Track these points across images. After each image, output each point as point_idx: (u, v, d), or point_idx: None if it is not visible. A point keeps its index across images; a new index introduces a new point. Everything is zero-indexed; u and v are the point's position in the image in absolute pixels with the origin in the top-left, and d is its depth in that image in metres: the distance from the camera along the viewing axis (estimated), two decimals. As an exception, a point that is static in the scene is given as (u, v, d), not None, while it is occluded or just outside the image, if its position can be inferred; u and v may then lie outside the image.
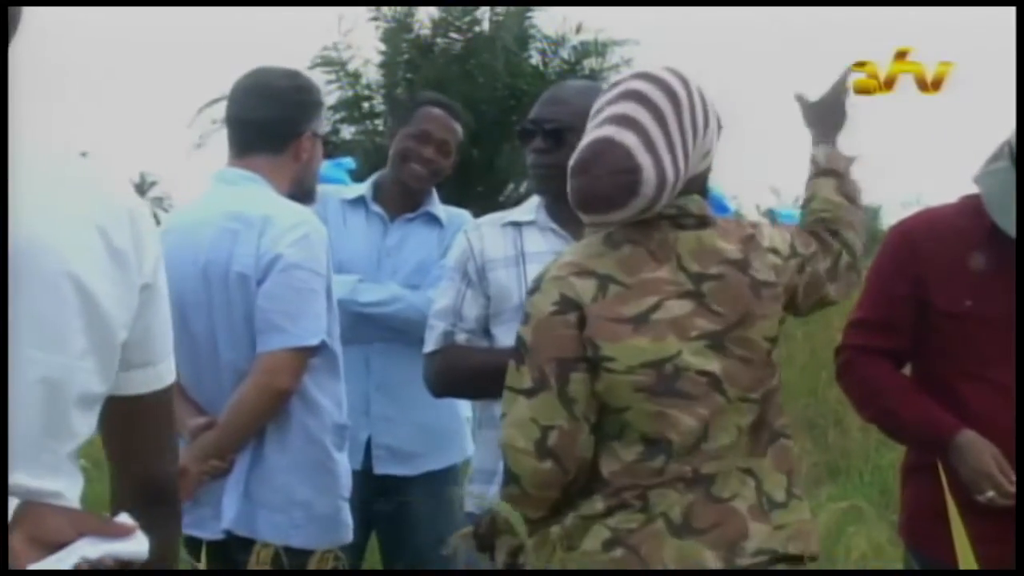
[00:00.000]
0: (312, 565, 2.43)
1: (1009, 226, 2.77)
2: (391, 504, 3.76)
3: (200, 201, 3.20)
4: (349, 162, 4.49)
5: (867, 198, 2.80)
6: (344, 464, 3.12)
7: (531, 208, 3.19)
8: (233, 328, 3.00)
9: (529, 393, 2.39)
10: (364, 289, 3.70)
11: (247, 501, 3.00)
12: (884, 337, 2.96)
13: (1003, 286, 2.82)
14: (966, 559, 1.49)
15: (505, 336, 3.06)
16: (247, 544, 2.75)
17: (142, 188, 27.04)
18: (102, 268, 1.54)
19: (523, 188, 14.57)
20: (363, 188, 3.92)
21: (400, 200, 3.87)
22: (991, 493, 2.70)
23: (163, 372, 1.69)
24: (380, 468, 3.74)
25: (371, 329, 3.68)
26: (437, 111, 3.89)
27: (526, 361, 2.41)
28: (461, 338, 3.10)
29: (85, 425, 1.59)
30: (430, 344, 3.14)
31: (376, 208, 3.87)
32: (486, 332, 3.12)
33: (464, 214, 3.95)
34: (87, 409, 1.58)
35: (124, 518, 1.55)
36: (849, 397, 3.06)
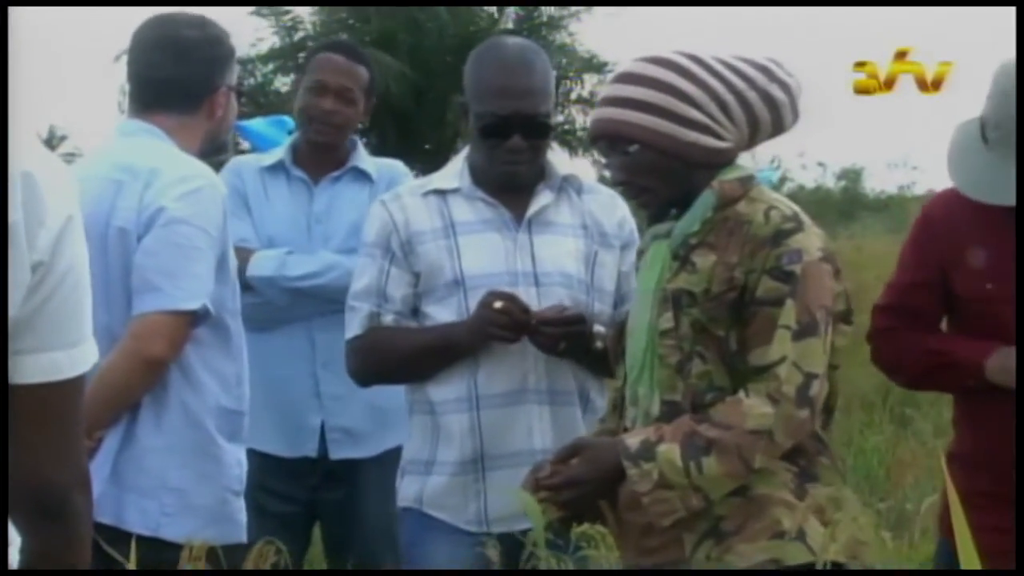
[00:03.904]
0: (250, 559, 2.18)
1: (966, 186, 2.65)
2: (339, 492, 3.51)
3: (93, 154, 3.00)
4: (288, 121, 4.17)
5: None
6: (235, 455, 2.83)
7: (454, 174, 2.90)
8: (109, 289, 2.72)
9: (796, 335, 2.30)
10: (294, 262, 3.41)
11: (113, 485, 2.72)
12: (912, 320, 2.82)
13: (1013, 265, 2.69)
14: (966, 547, 1.49)
15: (441, 314, 2.83)
16: (113, 535, 2.52)
17: (51, 143, 26.54)
18: None
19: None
20: (280, 152, 3.60)
21: (320, 160, 3.53)
22: None
23: (61, 362, 1.54)
24: (336, 453, 3.49)
25: (309, 304, 3.41)
26: (334, 56, 3.57)
27: (796, 296, 2.31)
28: (388, 319, 2.84)
29: None
30: (353, 328, 2.88)
31: (297, 172, 3.54)
32: (414, 312, 2.85)
33: (397, 165, 3.66)
34: None
35: None
36: (892, 366, 2.89)
